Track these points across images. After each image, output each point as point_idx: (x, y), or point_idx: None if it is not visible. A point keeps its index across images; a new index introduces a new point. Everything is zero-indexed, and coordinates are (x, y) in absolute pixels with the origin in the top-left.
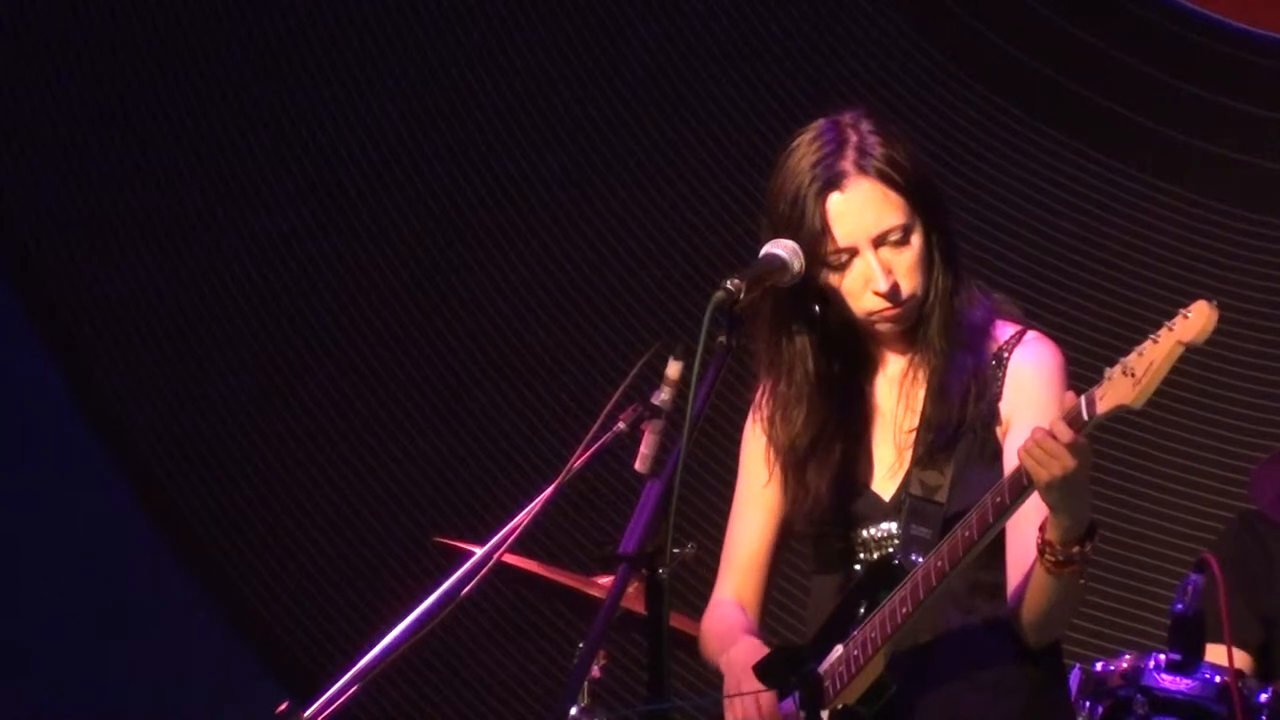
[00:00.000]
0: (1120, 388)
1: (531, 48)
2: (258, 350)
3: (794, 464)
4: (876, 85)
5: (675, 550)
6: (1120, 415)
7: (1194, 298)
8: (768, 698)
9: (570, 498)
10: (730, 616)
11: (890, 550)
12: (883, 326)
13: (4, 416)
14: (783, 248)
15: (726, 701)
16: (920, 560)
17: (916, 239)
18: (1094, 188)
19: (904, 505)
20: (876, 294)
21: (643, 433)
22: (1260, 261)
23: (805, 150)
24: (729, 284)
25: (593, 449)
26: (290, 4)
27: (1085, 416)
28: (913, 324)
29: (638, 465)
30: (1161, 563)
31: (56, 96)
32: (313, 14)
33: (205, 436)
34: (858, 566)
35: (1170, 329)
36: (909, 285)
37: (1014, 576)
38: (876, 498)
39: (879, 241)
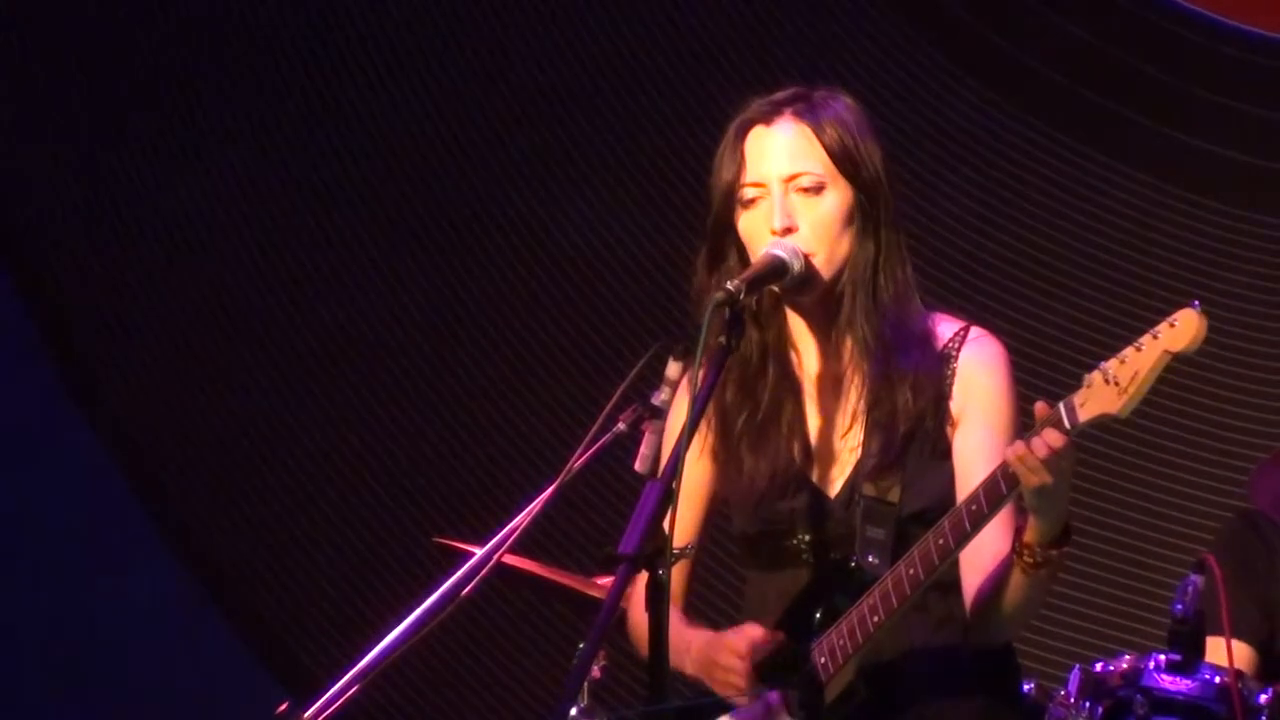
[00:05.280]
0: (1103, 396)
1: (554, 47)
2: (258, 352)
3: (726, 441)
4: (875, 84)
5: (675, 550)
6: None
7: (1193, 298)
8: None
9: (570, 498)
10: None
11: (843, 553)
12: (789, 294)
13: (4, 418)
14: (782, 248)
15: (715, 684)
16: (876, 561)
17: (834, 198)
18: (1094, 187)
19: (857, 506)
20: (773, 232)
21: (643, 433)
22: (1260, 262)
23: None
24: (729, 284)
25: (593, 449)
26: None
27: (1067, 424)
28: (828, 297)
29: (638, 465)
30: (1161, 563)
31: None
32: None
33: (206, 438)
34: (807, 568)
35: (1155, 337)
36: (811, 238)
37: (972, 575)
38: (823, 496)
39: (790, 184)
